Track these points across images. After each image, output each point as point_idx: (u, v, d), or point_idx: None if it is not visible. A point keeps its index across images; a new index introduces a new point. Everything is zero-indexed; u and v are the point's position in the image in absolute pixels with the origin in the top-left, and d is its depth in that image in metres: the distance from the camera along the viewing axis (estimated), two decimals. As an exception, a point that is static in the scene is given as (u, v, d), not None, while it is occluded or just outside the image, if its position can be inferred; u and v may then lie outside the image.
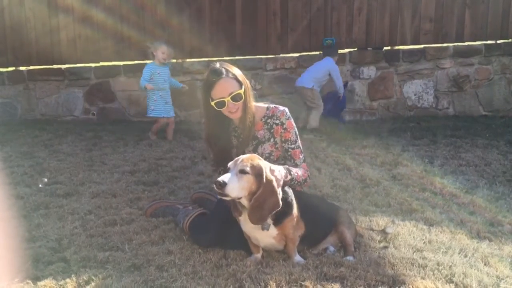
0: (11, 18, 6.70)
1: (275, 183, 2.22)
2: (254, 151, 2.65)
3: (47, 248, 2.61)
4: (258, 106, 2.71)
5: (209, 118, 2.65)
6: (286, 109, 2.70)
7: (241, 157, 2.25)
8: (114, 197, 3.50)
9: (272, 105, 2.71)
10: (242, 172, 2.17)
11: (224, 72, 2.52)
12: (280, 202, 2.22)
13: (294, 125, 2.69)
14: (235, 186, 2.14)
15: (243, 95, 2.52)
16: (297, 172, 2.54)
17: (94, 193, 3.57)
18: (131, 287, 2.16)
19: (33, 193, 3.55)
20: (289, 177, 2.43)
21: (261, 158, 2.31)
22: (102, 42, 6.61)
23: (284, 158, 2.71)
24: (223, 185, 2.10)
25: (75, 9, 6.63)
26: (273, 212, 2.22)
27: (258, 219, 2.20)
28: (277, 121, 2.65)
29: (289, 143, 2.66)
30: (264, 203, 2.18)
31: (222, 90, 2.50)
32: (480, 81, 6.30)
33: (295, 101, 6.37)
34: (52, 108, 6.86)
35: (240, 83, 2.53)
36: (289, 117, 2.68)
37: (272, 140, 2.66)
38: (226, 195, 2.14)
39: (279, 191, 2.23)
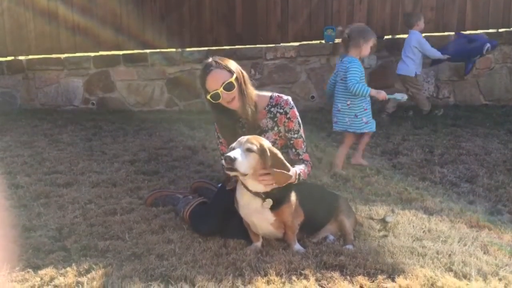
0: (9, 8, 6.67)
1: (280, 155, 2.33)
2: None
3: (48, 237, 2.63)
4: (261, 95, 2.70)
5: (212, 110, 2.66)
6: (290, 98, 2.69)
7: (245, 137, 2.31)
8: (114, 186, 3.51)
9: (275, 94, 2.70)
10: (249, 150, 2.24)
11: (214, 64, 2.52)
12: (289, 165, 2.36)
13: (298, 114, 2.69)
14: (244, 161, 2.21)
15: (235, 83, 2.51)
16: (303, 170, 2.58)
17: (94, 182, 3.58)
18: (132, 276, 2.17)
19: (33, 183, 3.56)
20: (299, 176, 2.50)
21: (263, 138, 2.37)
22: (101, 32, 6.58)
23: (286, 146, 2.71)
24: (233, 159, 2.17)
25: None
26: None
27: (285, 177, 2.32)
28: (281, 110, 2.64)
29: (292, 132, 2.66)
30: (279, 168, 2.30)
31: (214, 82, 2.50)
32: (481, 70, 6.25)
33: (294, 90, 6.36)
34: (51, 98, 6.84)
35: (231, 73, 2.52)
36: (292, 106, 2.67)
37: (276, 128, 2.66)
38: (235, 170, 2.20)
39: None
